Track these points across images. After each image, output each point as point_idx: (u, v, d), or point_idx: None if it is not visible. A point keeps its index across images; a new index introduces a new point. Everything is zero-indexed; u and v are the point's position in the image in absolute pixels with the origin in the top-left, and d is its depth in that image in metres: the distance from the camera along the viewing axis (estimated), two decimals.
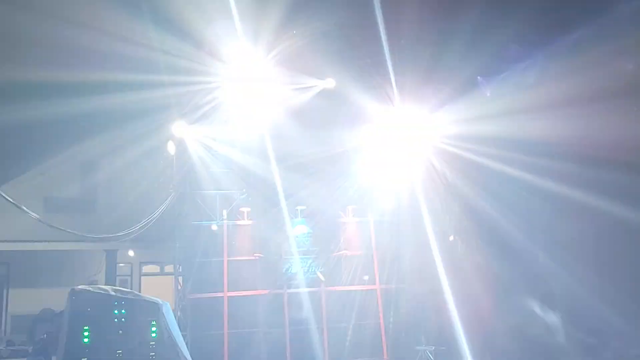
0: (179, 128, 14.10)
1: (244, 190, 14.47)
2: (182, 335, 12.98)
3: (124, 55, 11.33)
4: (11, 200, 14.27)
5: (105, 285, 15.70)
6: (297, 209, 14.73)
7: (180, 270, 14.03)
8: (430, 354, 13.85)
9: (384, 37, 11.84)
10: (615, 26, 9.80)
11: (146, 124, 14.39)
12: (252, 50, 12.49)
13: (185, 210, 14.29)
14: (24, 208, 14.50)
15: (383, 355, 14.18)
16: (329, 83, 13.64)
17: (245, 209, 14.46)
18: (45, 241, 17.73)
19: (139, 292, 15.62)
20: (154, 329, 12.49)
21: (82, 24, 10.09)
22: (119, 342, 12.23)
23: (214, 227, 14.15)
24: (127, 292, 13.08)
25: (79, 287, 12.77)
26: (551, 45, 11.32)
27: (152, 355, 12.36)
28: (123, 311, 12.48)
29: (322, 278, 14.27)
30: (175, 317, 13.21)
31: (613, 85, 9.98)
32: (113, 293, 12.67)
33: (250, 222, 14.51)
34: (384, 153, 15.01)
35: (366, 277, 14.71)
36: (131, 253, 19.99)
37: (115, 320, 12.40)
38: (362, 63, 12.99)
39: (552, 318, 11.45)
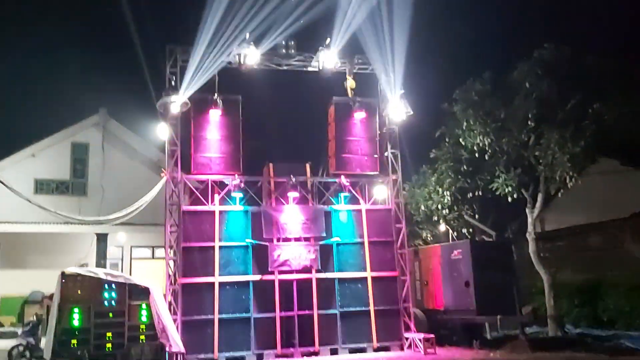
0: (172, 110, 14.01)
1: (237, 176, 14.42)
2: (172, 319, 13.02)
3: None
4: (2, 181, 14.21)
5: (95, 268, 15.70)
6: (290, 196, 14.71)
7: (171, 254, 14.01)
8: (419, 341, 13.94)
9: None
10: None
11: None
12: None
13: (177, 194, 14.24)
14: (15, 189, 14.49)
15: (372, 342, 14.26)
16: None
17: (237, 195, 14.43)
18: (36, 223, 17.66)
19: (130, 275, 15.61)
20: (144, 312, 12.53)
21: None
22: (109, 325, 12.27)
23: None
24: (118, 276, 13.09)
25: (70, 269, 12.78)
26: None
27: (143, 339, 12.41)
28: (113, 294, 12.50)
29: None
30: (165, 301, 13.23)
31: None
32: (104, 276, 12.68)
33: (242, 207, 14.49)
34: None
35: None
36: (122, 237, 19.95)
37: (106, 303, 12.43)
38: None
39: None
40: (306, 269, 14.29)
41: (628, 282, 16.14)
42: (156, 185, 14.84)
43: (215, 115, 14.57)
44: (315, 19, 14.01)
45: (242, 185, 14.43)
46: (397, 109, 15.22)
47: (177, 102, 13.98)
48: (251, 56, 14.41)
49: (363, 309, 14.45)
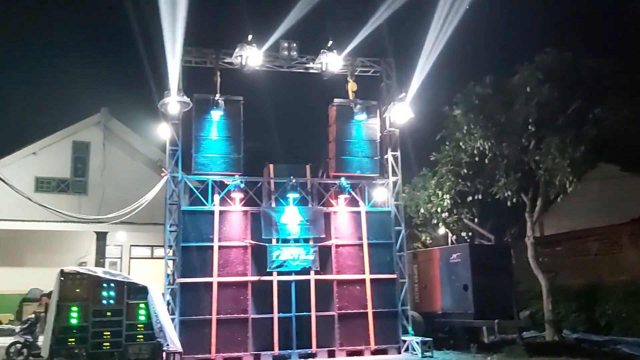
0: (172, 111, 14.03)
1: (237, 176, 14.45)
2: (170, 319, 13.03)
3: None
4: (3, 179, 14.26)
5: (94, 267, 15.73)
6: (290, 197, 14.74)
7: (171, 254, 14.02)
8: (417, 344, 13.95)
9: None
10: None
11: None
12: None
13: (177, 194, 14.26)
14: (16, 187, 14.53)
15: (370, 344, 14.27)
16: None
17: (237, 195, 14.46)
18: (36, 221, 17.69)
19: (129, 275, 15.64)
20: (142, 311, 12.54)
21: None
22: (107, 324, 12.28)
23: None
24: (117, 275, 13.11)
25: (68, 267, 12.79)
26: None
27: (140, 338, 12.42)
28: (112, 293, 12.51)
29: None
30: (164, 300, 13.24)
31: None
32: (102, 275, 12.70)
33: (242, 208, 14.52)
34: None
35: None
36: (122, 236, 19.98)
37: (104, 302, 12.44)
38: None
39: None
40: (305, 270, 14.31)
41: (626, 287, 16.12)
42: (156, 184, 14.88)
43: (216, 116, 14.59)
44: (317, 21, 14.07)
45: (242, 185, 14.46)
46: (398, 111, 15.27)
47: (178, 102, 14.00)
48: (253, 58, 14.47)
49: (361, 311, 14.47)
